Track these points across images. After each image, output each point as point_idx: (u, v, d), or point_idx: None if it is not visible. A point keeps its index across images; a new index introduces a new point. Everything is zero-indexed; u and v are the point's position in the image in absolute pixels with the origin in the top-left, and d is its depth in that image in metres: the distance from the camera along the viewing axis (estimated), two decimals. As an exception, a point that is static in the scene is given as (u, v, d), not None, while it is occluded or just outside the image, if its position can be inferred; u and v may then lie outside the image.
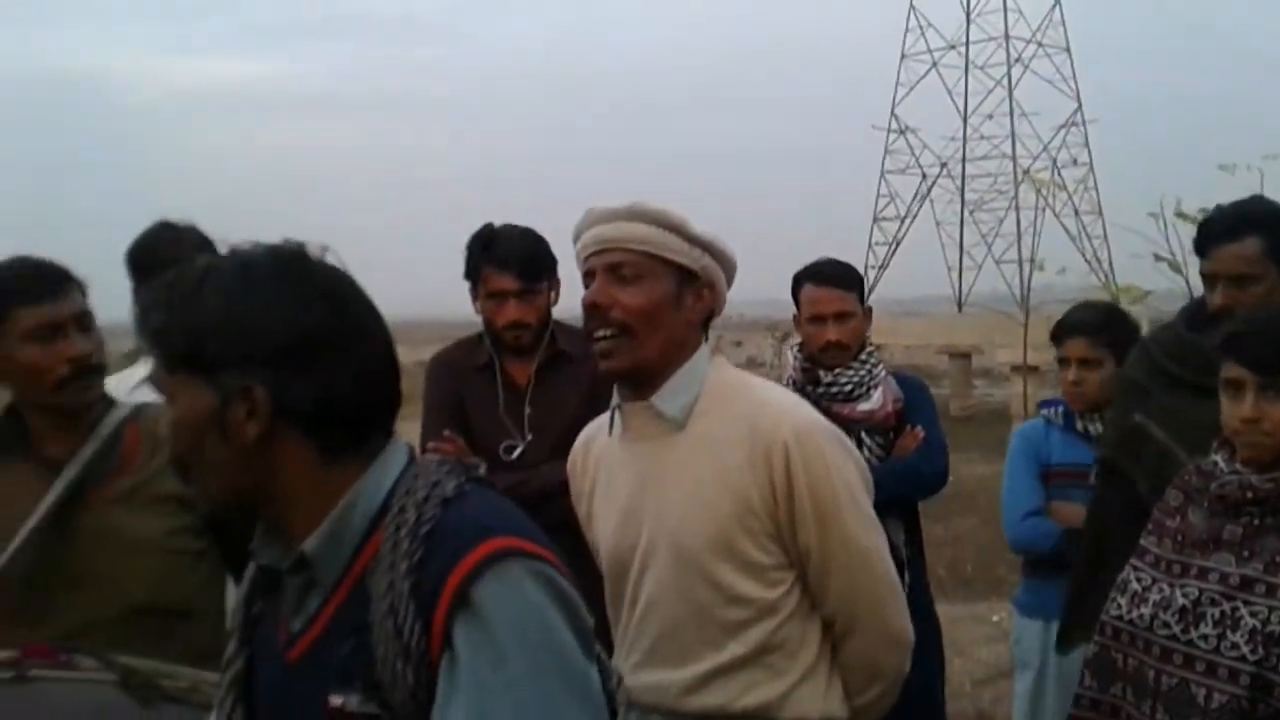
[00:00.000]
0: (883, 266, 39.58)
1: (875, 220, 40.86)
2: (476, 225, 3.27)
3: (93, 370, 2.14)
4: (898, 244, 40.34)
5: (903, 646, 2.15)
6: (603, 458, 2.25)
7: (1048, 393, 7.93)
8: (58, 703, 1.83)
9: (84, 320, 2.15)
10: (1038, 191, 9.68)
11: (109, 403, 2.24)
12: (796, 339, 3.51)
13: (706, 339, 2.20)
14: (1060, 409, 3.40)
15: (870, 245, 40.39)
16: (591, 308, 2.08)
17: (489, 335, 3.25)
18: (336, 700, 1.33)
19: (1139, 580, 2.24)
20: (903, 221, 40.42)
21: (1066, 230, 36.21)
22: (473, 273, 3.22)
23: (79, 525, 2.11)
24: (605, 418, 2.25)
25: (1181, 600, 2.16)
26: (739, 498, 2.03)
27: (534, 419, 3.17)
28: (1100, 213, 38.11)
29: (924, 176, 40.09)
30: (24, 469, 2.14)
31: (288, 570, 1.40)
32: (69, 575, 2.09)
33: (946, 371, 23.24)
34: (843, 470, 2.07)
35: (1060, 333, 3.35)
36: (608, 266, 2.08)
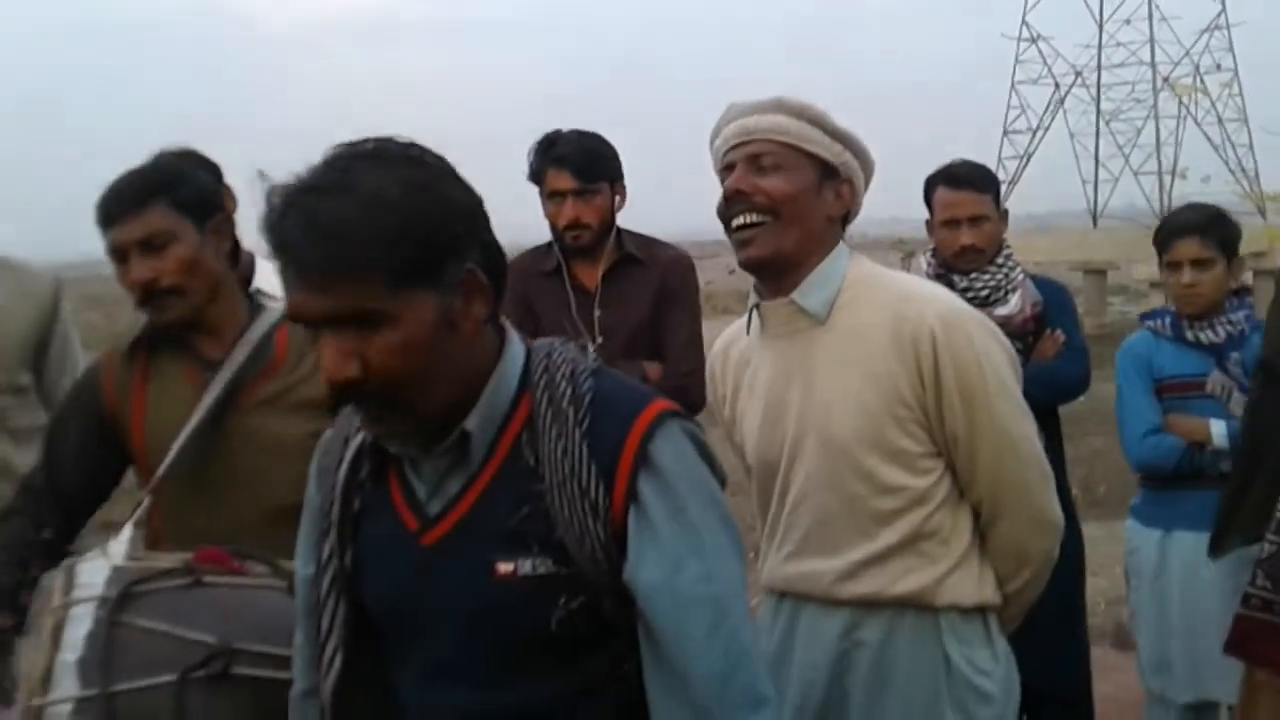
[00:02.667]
0: (1013, 181, 38.30)
1: (1005, 133, 39.54)
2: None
3: (166, 292, 2.15)
4: (1029, 157, 39.01)
5: (1051, 530, 2.14)
6: (744, 358, 2.26)
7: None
8: (234, 607, 1.87)
9: (153, 241, 2.15)
10: (1179, 99, 9.22)
11: (258, 306, 2.30)
12: (927, 251, 3.46)
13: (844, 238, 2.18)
14: (1167, 320, 3.28)
15: (1000, 159, 39.07)
16: (734, 195, 2.08)
17: (555, 240, 3.28)
18: (506, 566, 1.39)
19: None
20: (1034, 134, 39.02)
21: (1209, 139, 34.57)
22: (536, 175, 3.25)
23: (230, 427, 2.17)
24: (741, 321, 2.26)
25: None
26: (886, 387, 2.03)
27: (604, 321, 3.20)
28: (1245, 120, 36.19)
29: (1057, 86, 38.57)
30: (188, 366, 2.22)
31: (441, 452, 1.43)
32: (220, 476, 2.15)
33: (1080, 288, 22.55)
34: (990, 355, 2.05)
35: (1167, 236, 3.21)
36: (748, 157, 2.08)
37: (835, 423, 2.06)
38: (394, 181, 1.30)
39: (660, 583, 1.38)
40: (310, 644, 1.56)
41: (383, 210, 1.27)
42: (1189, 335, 3.22)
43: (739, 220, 2.08)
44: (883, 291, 2.10)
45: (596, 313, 3.22)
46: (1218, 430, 3.12)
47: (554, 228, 3.26)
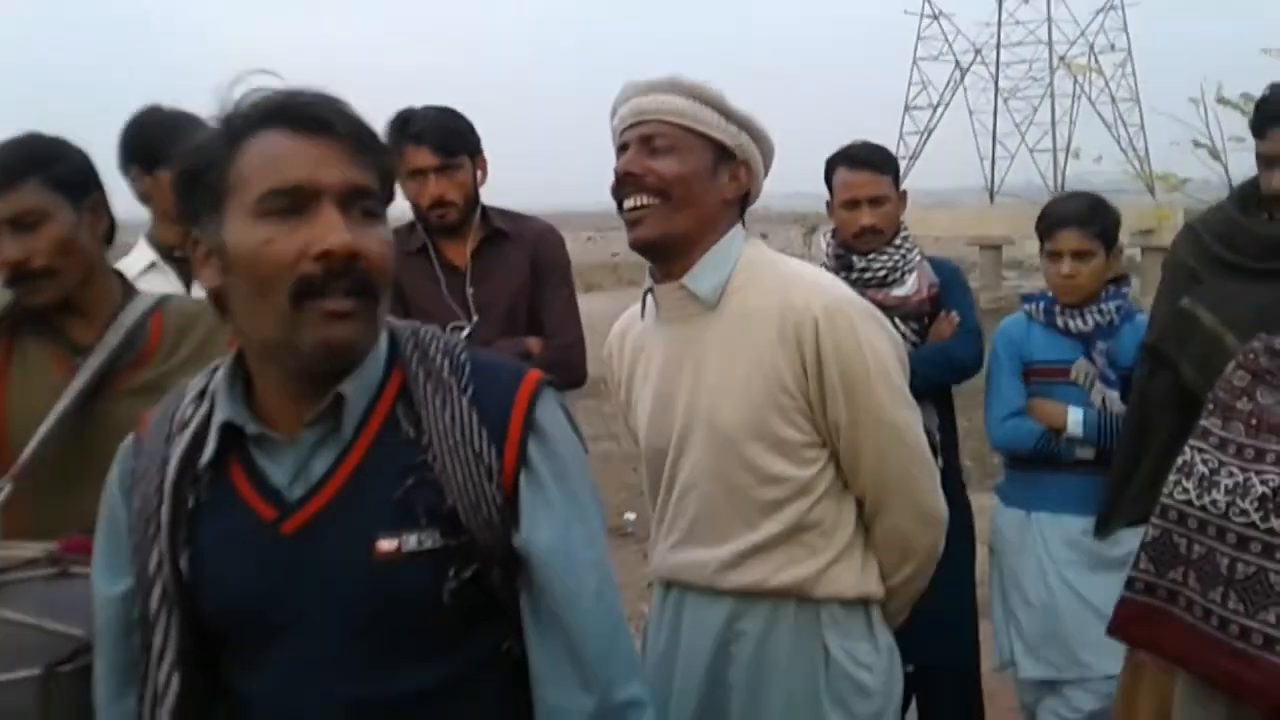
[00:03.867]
0: (914, 157, 39.03)
1: (906, 109, 40.18)
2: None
3: (37, 273, 2.06)
4: (929, 133, 39.70)
5: (935, 523, 2.14)
6: (639, 343, 2.24)
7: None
8: None
9: (25, 219, 2.05)
10: (1074, 78, 9.44)
11: (131, 292, 2.21)
12: (827, 228, 3.46)
13: (744, 225, 2.17)
14: (1042, 305, 3.31)
15: (901, 135, 39.80)
16: (625, 176, 2.06)
17: (418, 219, 3.22)
18: (388, 544, 1.36)
19: (1205, 463, 2.18)
20: (935, 110, 39.74)
21: (1102, 118, 35.55)
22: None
23: (99, 415, 2.09)
24: (635, 308, 2.25)
25: (1261, 488, 2.10)
26: (770, 375, 2.02)
27: (478, 299, 3.16)
28: (1138, 100, 37.27)
29: (957, 64, 39.29)
30: (56, 350, 2.13)
31: (309, 423, 1.38)
32: (87, 465, 2.02)
33: (977, 263, 23.06)
34: (874, 344, 2.04)
35: (1049, 225, 3.25)
36: (641, 138, 2.06)
37: (721, 411, 2.05)
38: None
39: (555, 544, 1.40)
40: (118, 671, 1.48)
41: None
42: (1059, 322, 3.26)
43: (630, 202, 2.06)
44: (772, 277, 2.09)
45: (469, 290, 3.17)
46: (1074, 418, 3.16)
47: (417, 207, 3.20)
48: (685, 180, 2.04)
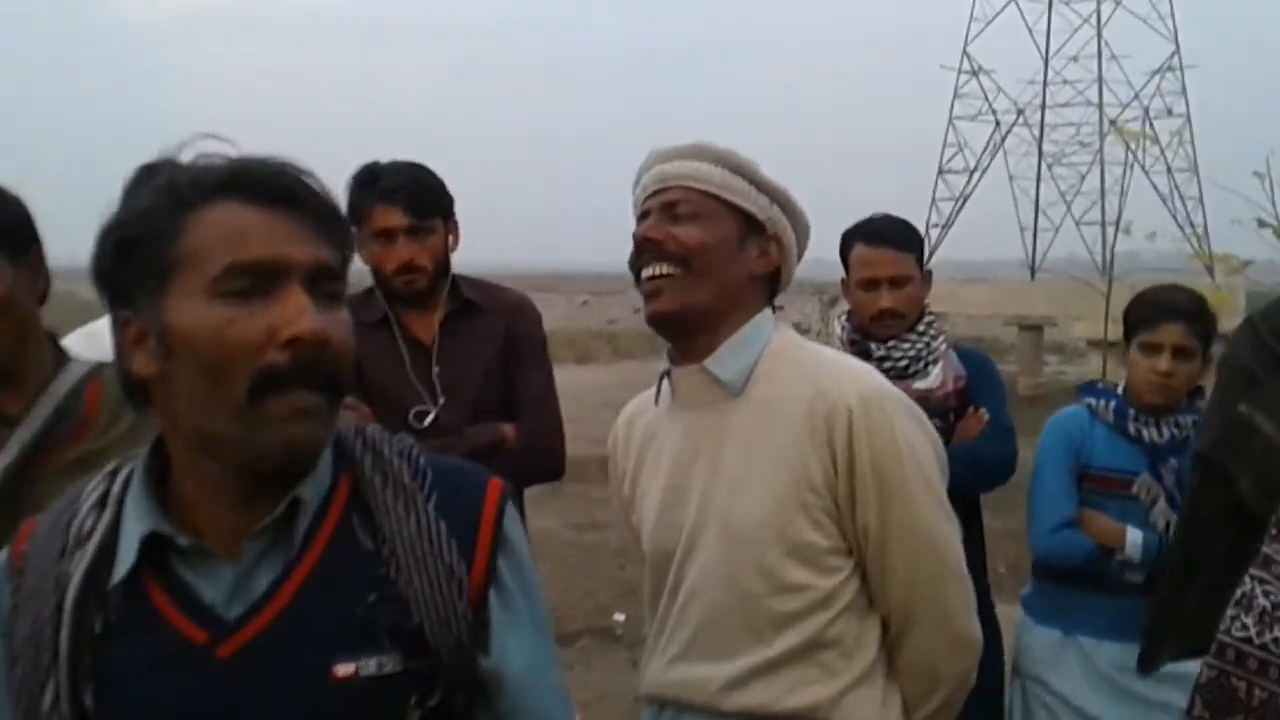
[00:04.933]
0: (947, 225, 39.06)
1: (940, 173, 40.36)
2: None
3: None
4: (965, 200, 39.80)
5: (969, 649, 2.11)
6: (649, 431, 2.24)
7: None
8: None
9: None
10: (1126, 145, 9.50)
11: (62, 359, 2.19)
12: (845, 306, 3.46)
13: (774, 308, 2.19)
14: (1111, 402, 3.25)
15: (934, 201, 39.93)
16: (643, 242, 2.07)
17: (380, 286, 3.18)
18: (345, 668, 1.32)
19: (1267, 595, 2.14)
20: (971, 175, 39.90)
21: (1157, 189, 35.79)
22: (356, 212, 3.12)
23: (29, 494, 2.03)
24: (650, 391, 2.25)
25: None
26: (796, 471, 2.01)
27: (445, 378, 3.12)
28: (1196, 171, 37.56)
29: (997, 124, 39.55)
30: None
31: (257, 533, 1.34)
32: None
33: (1015, 345, 23.07)
34: (913, 443, 2.04)
35: (1151, 314, 3.20)
36: (664, 205, 2.08)
37: (738, 508, 2.04)
38: None
39: (526, 668, 1.42)
40: None
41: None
42: (1131, 428, 3.21)
43: (648, 270, 2.08)
44: (804, 363, 2.09)
45: (435, 369, 3.13)
46: (1133, 540, 3.12)
47: (380, 272, 3.16)
48: (708, 249, 2.06)
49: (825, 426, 2.01)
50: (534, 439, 3.09)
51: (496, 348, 3.16)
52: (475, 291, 3.23)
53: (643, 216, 2.12)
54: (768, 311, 2.16)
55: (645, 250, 2.08)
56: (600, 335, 29.67)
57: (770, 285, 2.16)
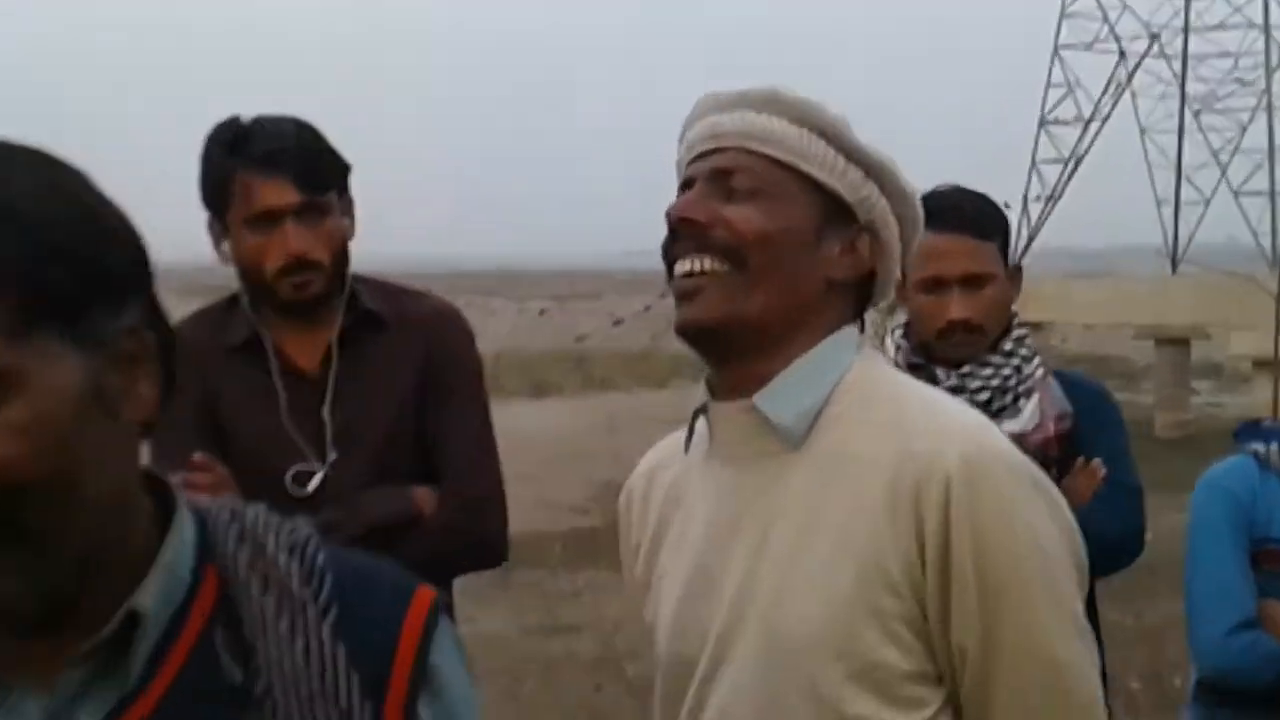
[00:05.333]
0: (1052, 198, 33.91)
1: (1042, 124, 36.14)
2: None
3: None
4: (1077, 163, 35.31)
5: None
6: (677, 490, 2.07)
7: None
8: None
9: None
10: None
11: None
12: (895, 328, 3.17)
13: (861, 327, 2.02)
14: None
15: (1034, 164, 35.36)
16: (679, 224, 1.90)
17: (254, 293, 2.80)
18: None
19: None
20: (1087, 126, 35.56)
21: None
22: (217, 191, 2.71)
23: None
24: (678, 436, 2.09)
25: None
26: (869, 559, 1.84)
27: (338, 425, 2.78)
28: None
29: (1122, 55, 35.12)
30: None
31: (77, 660, 1.19)
32: None
33: (1151, 367, 21.58)
34: (1034, 526, 1.86)
35: None
36: (714, 172, 1.91)
37: (787, 607, 1.87)
38: (30, 184, 1.14)
39: None
40: None
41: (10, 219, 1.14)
42: None
43: (684, 264, 1.89)
44: (889, 407, 1.91)
45: (325, 410, 2.77)
46: None
47: (257, 272, 2.75)
48: (771, 241, 1.87)
49: (912, 501, 1.81)
50: (462, 510, 2.76)
51: (410, 379, 2.81)
52: (380, 300, 2.87)
53: (685, 186, 1.97)
54: (850, 331, 1.96)
55: (682, 235, 1.89)
56: (565, 357, 28.25)
57: (858, 295, 1.98)
